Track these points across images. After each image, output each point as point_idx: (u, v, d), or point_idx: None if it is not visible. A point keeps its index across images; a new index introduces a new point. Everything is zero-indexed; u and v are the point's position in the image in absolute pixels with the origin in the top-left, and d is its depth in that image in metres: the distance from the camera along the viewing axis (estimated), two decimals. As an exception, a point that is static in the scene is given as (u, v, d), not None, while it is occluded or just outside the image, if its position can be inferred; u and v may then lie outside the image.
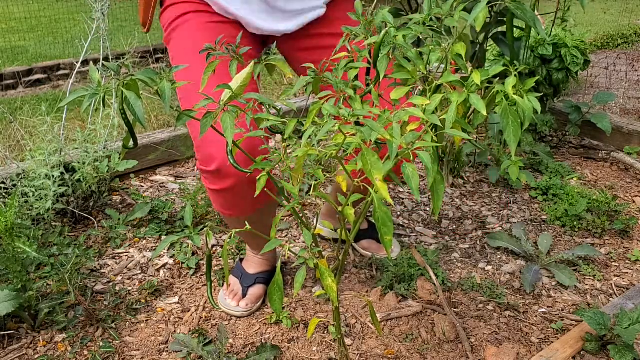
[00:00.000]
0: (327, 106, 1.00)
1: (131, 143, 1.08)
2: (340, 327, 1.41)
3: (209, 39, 1.52)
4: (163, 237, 2.16)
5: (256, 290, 1.80)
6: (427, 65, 1.13)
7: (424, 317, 1.75)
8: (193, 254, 2.04)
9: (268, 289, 1.13)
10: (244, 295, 1.78)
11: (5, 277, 1.68)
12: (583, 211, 2.25)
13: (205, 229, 1.09)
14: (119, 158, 2.22)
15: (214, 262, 2.02)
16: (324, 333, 1.68)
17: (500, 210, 2.40)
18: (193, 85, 1.41)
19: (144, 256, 2.04)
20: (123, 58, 3.11)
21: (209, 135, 1.39)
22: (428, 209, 2.40)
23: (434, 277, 1.84)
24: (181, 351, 1.58)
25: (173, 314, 1.76)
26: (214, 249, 2.10)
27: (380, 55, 1.11)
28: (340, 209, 1.12)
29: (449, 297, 1.84)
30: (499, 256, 2.09)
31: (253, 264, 1.85)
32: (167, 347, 1.63)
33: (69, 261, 1.79)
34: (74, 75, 2.48)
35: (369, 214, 2.09)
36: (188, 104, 1.52)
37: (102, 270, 1.97)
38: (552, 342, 1.63)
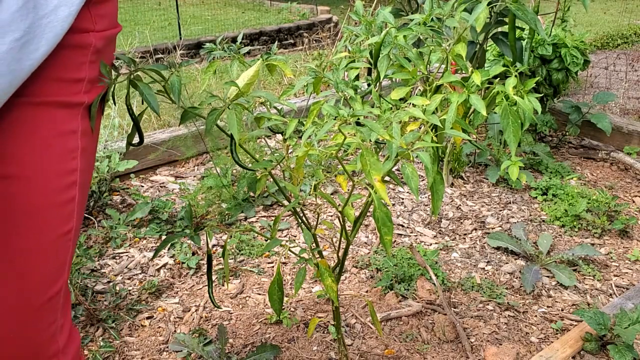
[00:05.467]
0: (327, 106, 1.00)
1: (136, 139, 1.03)
2: (340, 327, 1.41)
3: None
4: (163, 237, 2.16)
5: None
6: (428, 66, 1.14)
7: (424, 316, 1.75)
8: (193, 254, 2.04)
9: (268, 288, 1.13)
10: None
11: (5, 277, 1.68)
12: (583, 211, 2.26)
13: (205, 228, 1.09)
14: (119, 158, 2.23)
15: (214, 262, 2.02)
16: (324, 333, 1.68)
17: (500, 210, 2.40)
18: None
19: (144, 256, 2.05)
20: (123, 58, 3.11)
21: None
22: (428, 209, 2.40)
23: (434, 277, 1.84)
24: (181, 351, 1.58)
25: (173, 314, 1.77)
26: (214, 248, 2.10)
27: (380, 55, 1.11)
28: (340, 208, 1.12)
29: (449, 297, 1.84)
30: (498, 256, 2.09)
31: None
32: (167, 347, 1.63)
33: (69, 261, 1.79)
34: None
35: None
36: None
37: (103, 270, 1.97)
38: (552, 342, 1.63)
